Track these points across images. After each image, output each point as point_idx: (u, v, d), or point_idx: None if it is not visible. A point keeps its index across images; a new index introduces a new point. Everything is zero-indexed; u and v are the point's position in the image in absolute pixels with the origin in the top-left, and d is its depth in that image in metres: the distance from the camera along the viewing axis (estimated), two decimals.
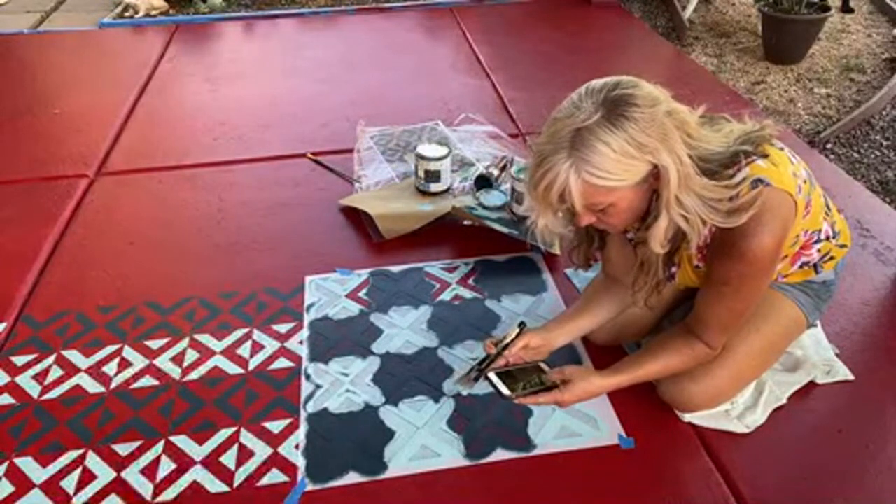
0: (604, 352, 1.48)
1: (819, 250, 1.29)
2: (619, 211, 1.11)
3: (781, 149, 1.19)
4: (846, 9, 4.13)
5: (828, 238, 1.29)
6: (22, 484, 1.27)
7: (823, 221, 1.28)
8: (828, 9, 3.57)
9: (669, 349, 1.27)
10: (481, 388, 1.40)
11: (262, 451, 1.32)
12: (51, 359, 1.53)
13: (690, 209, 1.08)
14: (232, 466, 1.29)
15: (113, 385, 1.46)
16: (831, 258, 1.32)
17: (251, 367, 1.50)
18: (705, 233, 1.14)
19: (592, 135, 1.03)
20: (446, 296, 1.69)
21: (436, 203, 1.96)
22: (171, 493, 1.25)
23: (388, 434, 1.34)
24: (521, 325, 1.34)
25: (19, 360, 1.53)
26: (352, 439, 1.34)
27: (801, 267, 1.31)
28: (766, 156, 1.14)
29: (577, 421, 1.35)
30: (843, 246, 1.33)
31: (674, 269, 1.27)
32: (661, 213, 1.09)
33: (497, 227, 1.83)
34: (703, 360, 1.27)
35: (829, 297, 1.39)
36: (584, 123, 1.03)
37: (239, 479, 1.27)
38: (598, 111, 1.04)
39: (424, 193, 2.02)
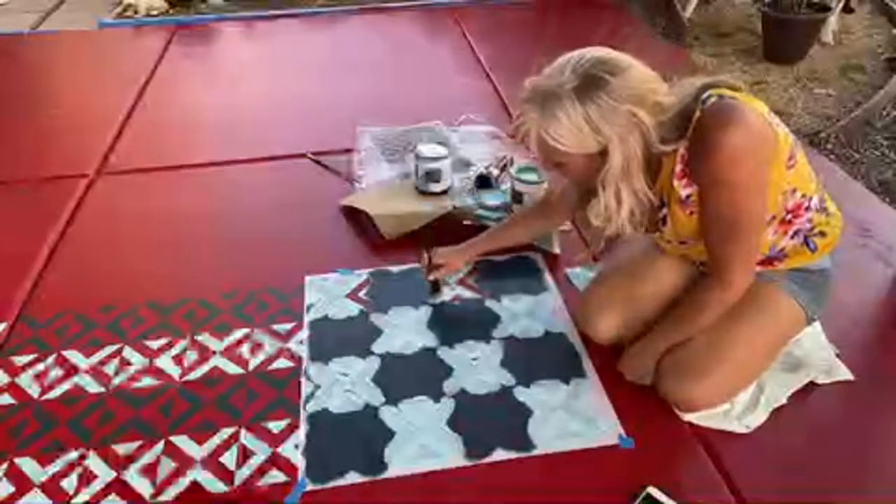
0: (604, 351, 1.48)
1: (810, 220, 1.28)
2: (571, 171, 1.26)
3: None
4: (846, 9, 4.12)
5: (818, 210, 1.29)
6: (22, 484, 1.27)
7: (816, 192, 1.28)
8: (828, 9, 3.57)
9: (691, 304, 1.33)
10: (481, 387, 1.42)
11: (262, 451, 1.32)
12: (51, 359, 1.53)
13: (628, 195, 1.20)
14: (232, 466, 1.29)
15: (113, 385, 1.46)
16: (823, 234, 1.31)
17: (251, 367, 1.50)
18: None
19: (559, 101, 1.15)
20: (446, 296, 1.69)
21: (436, 203, 1.96)
22: (170, 492, 1.25)
23: (388, 434, 1.34)
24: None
25: (19, 360, 1.53)
26: (352, 439, 1.34)
27: (792, 237, 1.29)
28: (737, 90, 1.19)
29: (577, 421, 1.35)
30: (835, 226, 1.33)
31: (664, 211, 1.27)
32: (601, 191, 1.20)
33: None
34: (728, 300, 1.27)
35: (828, 290, 1.38)
36: (557, 89, 1.15)
37: (239, 479, 1.27)
38: (572, 82, 1.14)
39: (424, 193, 2.02)
